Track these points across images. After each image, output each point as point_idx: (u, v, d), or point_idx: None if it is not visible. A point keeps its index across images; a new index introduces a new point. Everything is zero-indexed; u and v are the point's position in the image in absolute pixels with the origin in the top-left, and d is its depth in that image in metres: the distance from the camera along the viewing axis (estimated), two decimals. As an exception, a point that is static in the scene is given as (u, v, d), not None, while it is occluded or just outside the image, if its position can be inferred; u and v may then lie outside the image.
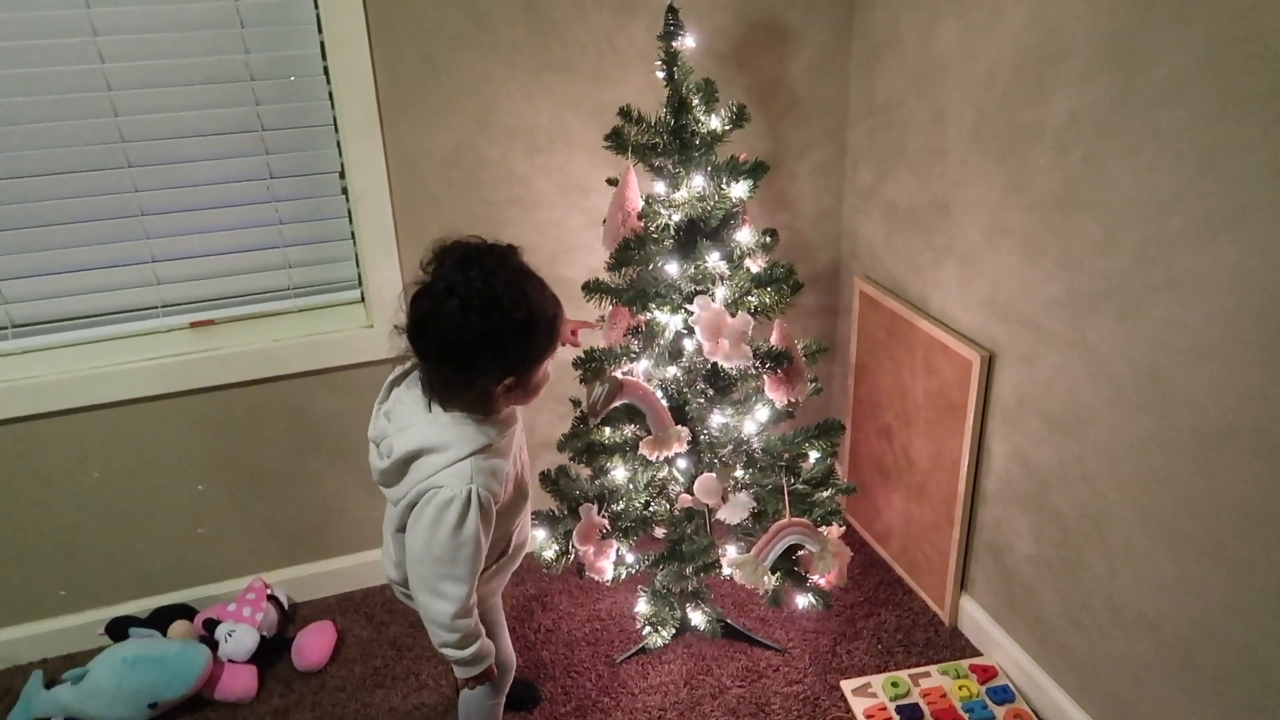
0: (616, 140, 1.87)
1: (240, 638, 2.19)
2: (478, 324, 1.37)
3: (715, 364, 1.88)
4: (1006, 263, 1.92)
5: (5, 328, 2.10)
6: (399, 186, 2.17)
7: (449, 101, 2.14)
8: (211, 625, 2.23)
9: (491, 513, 1.47)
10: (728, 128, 1.85)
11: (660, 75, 1.84)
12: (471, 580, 1.47)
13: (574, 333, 1.83)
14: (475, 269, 1.38)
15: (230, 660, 2.18)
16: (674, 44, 1.81)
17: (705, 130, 1.83)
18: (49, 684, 2.14)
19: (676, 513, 2.05)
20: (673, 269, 1.86)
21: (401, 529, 1.50)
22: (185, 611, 2.31)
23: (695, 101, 1.82)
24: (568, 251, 2.36)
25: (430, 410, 1.48)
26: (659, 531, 2.09)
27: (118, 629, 2.22)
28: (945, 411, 2.15)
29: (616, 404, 1.90)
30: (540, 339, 1.45)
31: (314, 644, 2.26)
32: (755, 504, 1.98)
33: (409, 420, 1.48)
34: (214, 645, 2.19)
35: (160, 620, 2.26)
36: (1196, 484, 1.55)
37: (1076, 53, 1.64)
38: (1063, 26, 1.67)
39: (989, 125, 1.90)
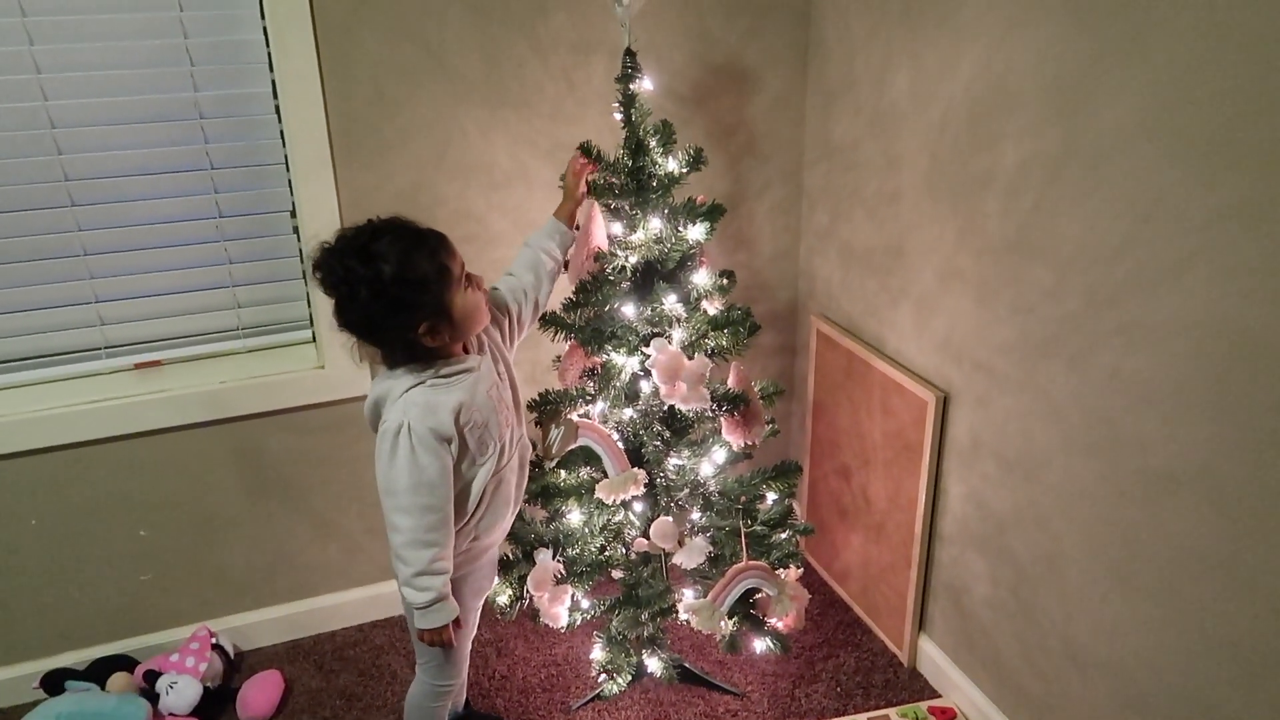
0: (574, 180, 1.87)
1: (182, 689, 2.12)
2: (359, 299, 1.48)
3: (672, 406, 1.87)
4: (960, 306, 1.93)
5: (-61, 369, 2.03)
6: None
7: (403, 138, 2.13)
8: (153, 677, 2.15)
9: (433, 445, 1.52)
10: (685, 170, 1.84)
11: (618, 117, 1.84)
12: (420, 515, 1.52)
13: (583, 177, 1.85)
14: (333, 259, 1.50)
15: (171, 714, 2.11)
16: (631, 87, 1.81)
17: (663, 172, 1.83)
18: (-22, 741, 2.06)
19: (633, 557, 2.02)
20: (629, 311, 1.85)
21: None
22: (125, 663, 2.23)
23: (653, 144, 1.82)
24: (525, 291, 2.34)
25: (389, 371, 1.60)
26: (616, 574, 2.06)
27: (54, 682, 2.14)
28: (902, 452, 2.16)
29: (572, 446, 1.88)
30: (432, 281, 1.50)
31: (260, 695, 2.19)
32: (712, 548, 1.96)
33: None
34: (154, 698, 2.11)
35: (99, 672, 2.18)
36: (1147, 528, 1.56)
37: (1024, 103, 1.67)
38: (1010, 78, 1.70)
39: (941, 171, 1.93)
